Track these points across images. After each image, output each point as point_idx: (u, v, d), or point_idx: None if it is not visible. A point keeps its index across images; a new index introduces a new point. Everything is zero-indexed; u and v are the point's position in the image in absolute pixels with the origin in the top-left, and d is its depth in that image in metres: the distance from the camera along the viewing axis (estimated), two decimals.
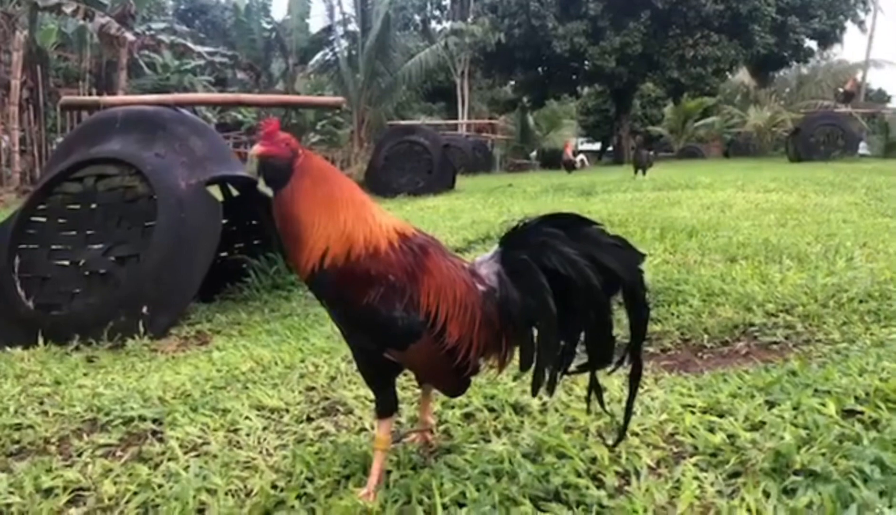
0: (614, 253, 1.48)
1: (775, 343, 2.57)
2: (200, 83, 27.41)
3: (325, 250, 1.50)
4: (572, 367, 1.53)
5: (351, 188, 1.60)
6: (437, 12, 22.92)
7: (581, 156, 16.92)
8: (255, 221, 4.58)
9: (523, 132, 32.34)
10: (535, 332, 1.51)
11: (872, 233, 4.79)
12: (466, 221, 6.58)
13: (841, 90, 22.02)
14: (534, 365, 1.50)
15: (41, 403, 2.43)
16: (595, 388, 1.56)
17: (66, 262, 3.63)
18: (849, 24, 26.93)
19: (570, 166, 15.73)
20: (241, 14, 27.35)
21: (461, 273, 1.56)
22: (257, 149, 1.55)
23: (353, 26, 25.41)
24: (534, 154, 30.76)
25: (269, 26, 27.12)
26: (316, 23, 26.74)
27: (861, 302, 2.86)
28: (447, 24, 22.21)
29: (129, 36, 15.71)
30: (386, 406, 1.61)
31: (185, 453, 1.90)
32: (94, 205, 3.73)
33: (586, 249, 1.47)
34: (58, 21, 18.85)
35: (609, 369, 1.55)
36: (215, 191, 4.16)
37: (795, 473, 1.50)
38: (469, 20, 20.89)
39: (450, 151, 11.83)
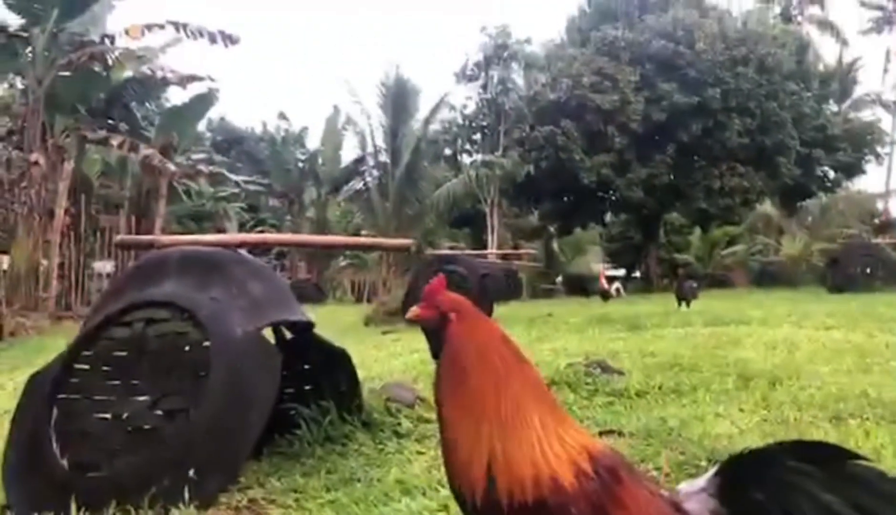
0: None
1: None
2: (234, 210, 28.14)
3: (484, 477, 1.17)
4: None
5: (523, 382, 1.28)
6: (467, 146, 23.62)
7: (616, 284, 16.70)
8: (307, 365, 4.28)
9: (549, 258, 32.48)
10: None
11: None
12: None
13: (876, 221, 21.93)
14: None
15: None
16: None
17: (109, 415, 3.32)
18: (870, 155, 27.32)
19: (605, 295, 15.45)
20: (277, 145, 28.47)
21: (663, 508, 1.20)
22: (412, 311, 1.38)
23: (383, 157, 26.28)
24: (559, 279, 30.69)
25: (303, 157, 28.13)
26: (348, 154, 27.68)
27: None
28: (478, 157, 22.85)
29: (171, 167, 16.22)
30: None
31: None
32: (142, 353, 3.46)
33: (857, 498, 1.09)
34: (103, 152, 19.66)
35: None
36: (267, 334, 3.90)
37: None
38: (498, 153, 21.44)
39: (488, 281, 11.64)
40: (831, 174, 26.65)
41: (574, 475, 1.18)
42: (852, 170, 26.77)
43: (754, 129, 22.47)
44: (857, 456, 1.17)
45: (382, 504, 2.77)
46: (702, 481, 1.25)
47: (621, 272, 37.11)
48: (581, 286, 25.47)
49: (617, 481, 1.20)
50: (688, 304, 10.88)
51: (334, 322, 12.93)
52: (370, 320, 12.57)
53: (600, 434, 3.56)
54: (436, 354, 1.35)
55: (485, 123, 22.75)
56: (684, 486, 1.26)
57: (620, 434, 3.55)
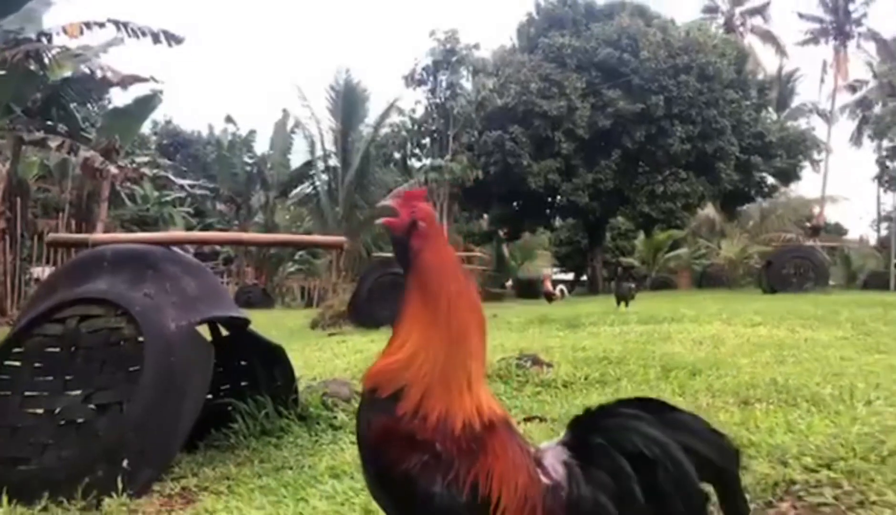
0: (710, 440, 1.32)
1: (825, 504, 2.37)
2: (180, 214, 27.63)
3: (403, 383, 1.31)
4: None
5: (471, 305, 1.41)
6: (417, 150, 23.80)
7: (561, 287, 17.09)
8: (243, 361, 4.35)
9: (499, 262, 32.88)
10: None
11: (878, 372, 4.69)
12: None
13: (808, 225, 22.90)
14: None
15: None
16: None
17: (40, 410, 3.34)
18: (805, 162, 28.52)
19: (549, 297, 15.80)
20: (223, 149, 28.07)
21: (526, 459, 1.37)
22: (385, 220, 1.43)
23: (333, 161, 26.25)
24: (509, 283, 31.11)
25: (251, 161, 27.79)
26: (297, 158, 27.52)
27: None
28: (427, 162, 23.02)
29: (113, 169, 15.86)
30: None
31: None
32: (74, 348, 3.48)
33: (676, 434, 1.31)
34: (41, 154, 19.10)
35: None
36: (204, 331, 3.96)
37: None
38: (448, 158, 21.66)
39: None
40: (769, 179, 27.70)
41: (462, 421, 1.33)
42: (789, 175, 27.89)
43: (696, 136, 23.23)
44: (679, 409, 1.37)
45: (310, 486, 2.88)
46: (557, 438, 1.43)
47: (569, 276, 37.83)
48: (530, 289, 25.90)
49: (490, 430, 1.35)
50: (626, 304, 11.23)
51: (281, 325, 12.89)
52: (317, 323, 12.59)
53: (525, 420, 3.75)
54: (400, 262, 1.42)
55: (434, 128, 22.94)
56: (545, 443, 1.44)
57: (542, 419, 3.74)
